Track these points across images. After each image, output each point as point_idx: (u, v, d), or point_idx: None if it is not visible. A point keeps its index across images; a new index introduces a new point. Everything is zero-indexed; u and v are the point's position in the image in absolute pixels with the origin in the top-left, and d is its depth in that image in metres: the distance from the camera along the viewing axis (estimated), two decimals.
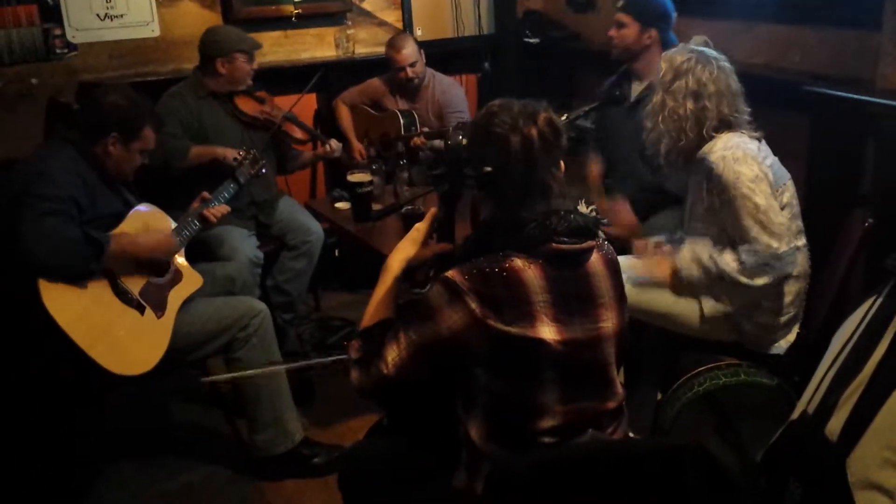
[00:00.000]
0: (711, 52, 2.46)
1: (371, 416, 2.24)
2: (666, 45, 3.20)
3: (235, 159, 3.10)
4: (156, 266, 2.62)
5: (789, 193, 2.42)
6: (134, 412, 3.13)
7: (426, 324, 1.63)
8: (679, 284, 2.50)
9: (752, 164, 2.31)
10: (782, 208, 2.38)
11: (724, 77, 2.41)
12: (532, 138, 1.64)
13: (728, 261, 2.36)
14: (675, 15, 3.23)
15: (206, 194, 2.90)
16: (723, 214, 2.38)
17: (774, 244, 2.30)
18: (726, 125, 2.40)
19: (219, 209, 2.87)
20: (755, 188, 2.29)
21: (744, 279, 2.34)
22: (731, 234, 2.39)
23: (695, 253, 2.45)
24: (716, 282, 2.42)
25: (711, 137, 2.40)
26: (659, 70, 2.49)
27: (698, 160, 2.42)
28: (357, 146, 4.10)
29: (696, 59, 2.42)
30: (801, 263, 2.45)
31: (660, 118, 2.44)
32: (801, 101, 2.85)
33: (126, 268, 2.53)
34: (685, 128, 2.40)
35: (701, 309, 2.48)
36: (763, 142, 2.45)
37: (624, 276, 2.47)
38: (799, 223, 2.45)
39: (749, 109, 2.45)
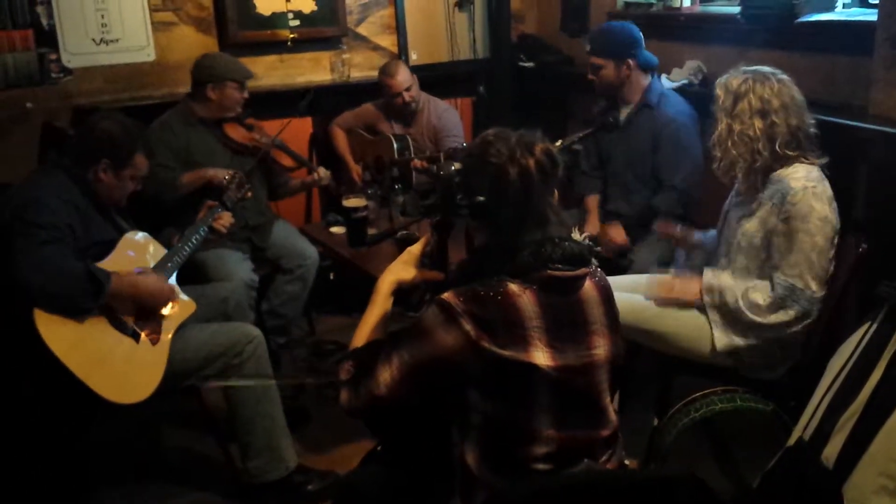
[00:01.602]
0: (766, 69, 2.43)
1: (366, 442, 2.23)
2: (643, 64, 3.28)
3: (222, 182, 3.10)
4: (153, 307, 2.61)
5: (838, 237, 2.40)
6: (125, 437, 3.11)
7: (420, 344, 1.63)
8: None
9: (826, 204, 2.31)
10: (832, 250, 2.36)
11: (787, 90, 2.39)
12: (530, 169, 1.65)
13: (756, 297, 2.35)
14: (641, 35, 3.28)
15: (211, 202, 2.95)
16: (778, 239, 2.35)
17: (813, 286, 2.30)
18: (796, 142, 2.37)
19: (226, 218, 2.96)
20: (821, 228, 2.29)
21: (761, 318, 2.34)
22: (775, 261, 2.36)
23: (721, 287, 2.44)
24: (732, 318, 2.41)
25: (787, 156, 2.37)
26: (716, 98, 2.46)
27: (771, 180, 2.40)
28: (355, 168, 4.11)
29: (754, 79, 2.40)
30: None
31: (729, 143, 2.41)
32: None
33: (123, 304, 2.51)
34: (759, 148, 2.37)
35: (713, 341, 2.46)
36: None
37: (632, 298, 2.45)
38: (833, 266, 2.40)
39: (814, 121, 2.43)
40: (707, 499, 1.53)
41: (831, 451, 1.83)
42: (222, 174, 3.25)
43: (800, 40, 3.13)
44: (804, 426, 1.95)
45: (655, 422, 2.49)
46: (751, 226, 2.44)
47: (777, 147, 2.36)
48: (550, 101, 4.57)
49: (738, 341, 2.42)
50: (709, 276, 2.48)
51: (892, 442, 1.75)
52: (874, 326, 1.91)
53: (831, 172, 2.42)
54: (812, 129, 2.41)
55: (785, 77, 2.42)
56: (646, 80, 3.29)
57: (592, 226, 3.37)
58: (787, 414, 2.31)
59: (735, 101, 2.40)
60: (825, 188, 2.34)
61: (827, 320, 2.36)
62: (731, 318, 2.42)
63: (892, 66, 2.65)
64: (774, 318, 2.33)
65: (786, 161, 2.38)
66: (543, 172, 1.66)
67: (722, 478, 2.38)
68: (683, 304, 2.51)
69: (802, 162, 2.37)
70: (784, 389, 2.43)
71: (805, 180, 2.33)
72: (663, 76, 3.58)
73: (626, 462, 1.85)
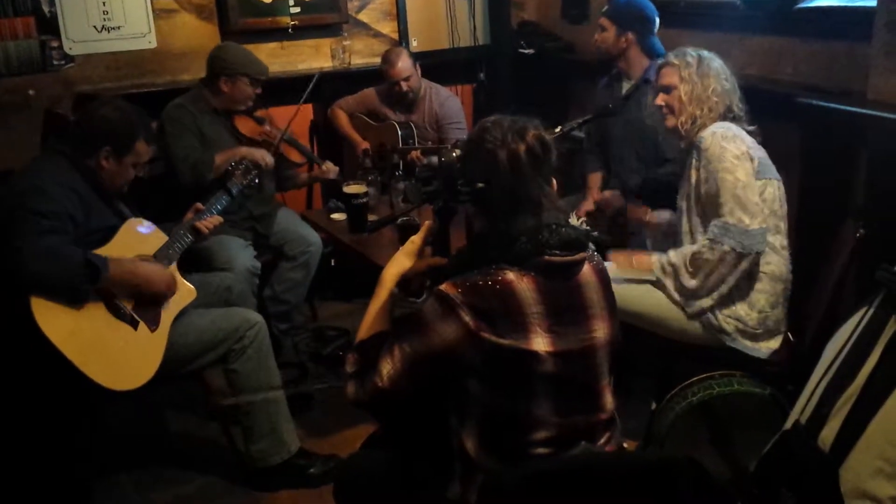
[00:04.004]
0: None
1: (367, 426, 2.25)
2: (646, 48, 3.29)
3: (229, 167, 3.10)
4: (152, 294, 2.60)
5: (772, 190, 2.46)
6: (129, 423, 3.12)
7: (420, 337, 1.65)
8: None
9: (739, 143, 2.42)
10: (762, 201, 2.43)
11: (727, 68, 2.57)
12: (519, 154, 1.66)
13: (696, 246, 2.44)
14: (657, 19, 3.29)
15: (199, 205, 2.90)
16: (706, 189, 2.45)
17: (746, 220, 2.36)
18: (742, 109, 2.53)
19: (211, 220, 2.85)
20: (738, 164, 2.39)
21: (706, 252, 2.41)
22: (709, 213, 2.45)
23: (667, 257, 2.54)
24: (684, 271, 2.49)
25: (739, 118, 2.51)
26: (676, 66, 2.56)
27: (693, 145, 2.51)
28: (363, 143, 4.10)
29: (708, 53, 2.57)
30: (777, 265, 2.48)
31: (710, 91, 2.50)
32: (792, 113, 2.87)
33: (121, 290, 2.51)
34: (728, 104, 2.51)
35: (682, 308, 2.53)
36: (758, 143, 2.52)
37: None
38: (780, 224, 2.49)
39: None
40: (704, 482, 1.54)
41: (828, 435, 1.85)
42: (258, 154, 3.30)
43: (799, 26, 3.12)
44: (801, 410, 1.97)
45: (654, 405, 2.51)
46: (683, 188, 2.57)
47: (735, 109, 2.52)
48: (551, 87, 4.57)
49: (700, 303, 2.49)
50: (657, 255, 2.59)
51: (889, 425, 1.76)
52: (871, 311, 1.91)
53: (830, 157, 2.43)
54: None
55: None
56: (647, 61, 3.29)
57: (589, 202, 3.40)
58: (784, 397, 2.33)
59: (699, 64, 2.53)
60: (736, 133, 2.45)
61: (825, 304, 2.38)
62: (684, 277, 2.49)
63: (891, 51, 2.65)
64: (710, 254, 2.41)
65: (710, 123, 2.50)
66: (534, 158, 1.67)
67: (719, 461, 2.40)
68: (642, 276, 2.62)
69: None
70: (782, 373, 2.45)
71: (713, 128, 2.47)
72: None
73: (625, 445, 1.87)
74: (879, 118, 2.61)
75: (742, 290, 2.47)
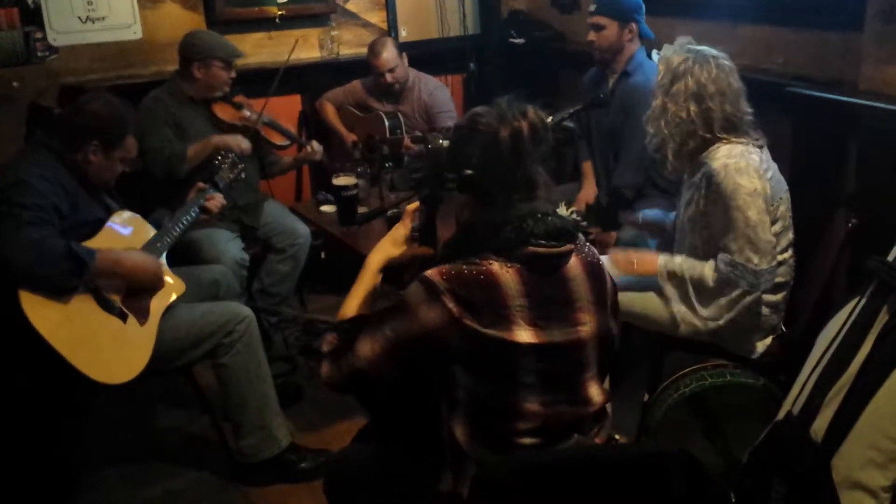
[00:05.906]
0: (710, 51, 2.41)
1: (358, 421, 2.24)
2: (642, 34, 3.24)
3: (216, 161, 3.07)
4: (139, 284, 2.58)
5: (784, 207, 2.41)
6: (119, 418, 3.11)
7: (402, 320, 1.64)
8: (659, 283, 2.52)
9: (752, 176, 2.29)
10: (775, 221, 2.36)
11: (725, 76, 2.36)
12: (522, 131, 1.64)
13: (706, 273, 2.37)
14: (643, 4, 3.26)
15: (201, 184, 2.91)
16: (713, 220, 2.36)
17: (755, 260, 2.29)
18: (732, 127, 2.36)
19: (218, 198, 2.91)
20: (751, 202, 2.27)
21: (711, 300, 2.37)
22: (716, 242, 2.38)
23: (673, 265, 2.46)
24: (689, 294, 2.43)
25: (718, 139, 2.36)
26: (657, 72, 2.45)
27: (699, 163, 2.40)
28: (350, 136, 4.08)
29: (694, 60, 2.37)
30: (783, 275, 2.44)
31: (662, 123, 2.39)
32: (783, 102, 2.87)
33: (109, 280, 2.49)
34: (691, 131, 2.36)
35: (673, 315, 2.49)
36: (765, 149, 2.43)
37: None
38: (790, 236, 2.44)
39: (751, 110, 2.41)
40: (696, 474, 1.54)
41: (820, 426, 1.84)
42: (232, 141, 3.27)
43: (791, 15, 3.11)
44: (793, 400, 1.96)
45: (646, 397, 2.51)
46: (689, 210, 2.45)
47: (712, 132, 2.35)
48: (541, 77, 4.55)
49: (698, 322, 2.44)
50: (663, 259, 2.49)
51: (881, 416, 1.76)
52: (863, 301, 1.91)
53: (822, 147, 2.42)
54: (749, 116, 2.40)
55: (727, 63, 2.39)
56: (635, 48, 3.27)
57: (587, 193, 3.36)
58: (777, 388, 2.33)
59: (672, 81, 2.38)
60: (749, 162, 2.31)
61: (817, 294, 2.37)
62: (688, 299, 2.44)
63: (882, 41, 2.65)
64: (723, 297, 2.35)
65: (713, 142, 2.37)
66: (536, 135, 1.65)
67: (712, 452, 2.40)
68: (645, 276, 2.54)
69: (726, 143, 2.36)
70: (774, 364, 2.44)
71: (725, 158, 2.32)
72: (654, 52, 3.56)
73: (616, 437, 1.86)
74: (871, 108, 2.61)
75: (747, 307, 2.40)
